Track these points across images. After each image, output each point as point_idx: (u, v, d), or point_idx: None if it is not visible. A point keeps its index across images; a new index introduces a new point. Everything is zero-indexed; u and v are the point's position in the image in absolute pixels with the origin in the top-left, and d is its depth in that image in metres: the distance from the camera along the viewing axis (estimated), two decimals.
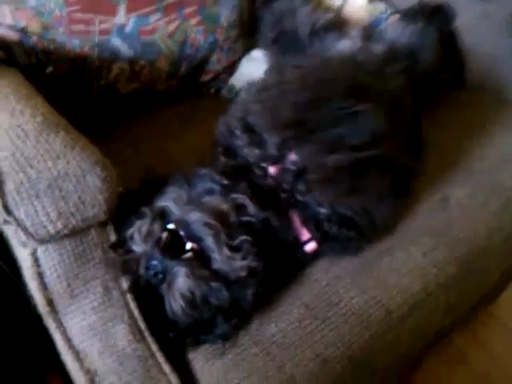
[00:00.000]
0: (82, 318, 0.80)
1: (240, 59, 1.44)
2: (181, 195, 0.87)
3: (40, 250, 0.77)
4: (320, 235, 0.92)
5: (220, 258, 0.81)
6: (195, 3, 1.25)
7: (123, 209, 0.83)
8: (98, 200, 0.75)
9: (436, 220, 1.05)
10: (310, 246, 0.93)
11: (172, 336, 0.82)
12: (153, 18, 1.20)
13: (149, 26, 1.20)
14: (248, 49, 1.45)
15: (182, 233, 0.81)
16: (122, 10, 1.15)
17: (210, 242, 0.81)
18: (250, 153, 0.93)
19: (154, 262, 0.79)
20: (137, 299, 0.83)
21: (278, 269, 0.88)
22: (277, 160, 0.91)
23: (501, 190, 1.13)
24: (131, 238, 0.81)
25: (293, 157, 0.90)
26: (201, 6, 1.26)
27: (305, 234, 0.92)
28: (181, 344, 0.85)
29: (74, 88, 1.19)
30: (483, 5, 1.34)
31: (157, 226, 0.82)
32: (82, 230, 0.78)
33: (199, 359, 0.84)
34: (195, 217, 0.82)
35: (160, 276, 0.79)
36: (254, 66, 1.42)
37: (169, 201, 0.85)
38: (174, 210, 0.84)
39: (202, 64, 1.37)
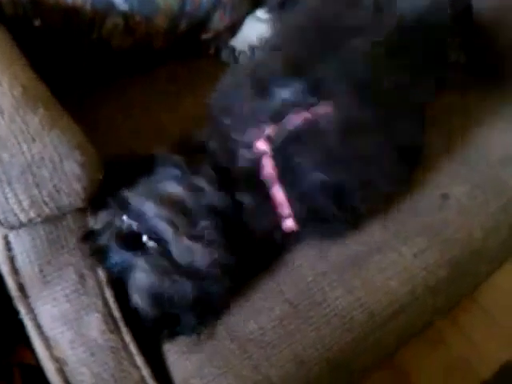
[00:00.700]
0: (53, 305, 0.77)
1: (244, 19, 1.36)
2: (141, 184, 0.81)
3: (12, 235, 0.73)
4: (303, 211, 0.85)
5: (179, 249, 0.77)
6: None
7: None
8: (75, 189, 0.70)
9: (432, 218, 1.01)
10: (288, 224, 0.86)
11: (148, 326, 0.80)
12: None
13: None
14: (253, 8, 1.36)
15: (135, 226, 0.76)
16: None
17: (166, 233, 0.77)
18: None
19: (112, 255, 0.76)
20: (114, 288, 0.80)
21: (252, 256, 0.83)
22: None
23: (502, 189, 1.08)
24: (96, 229, 0.77)
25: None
26: None
27: (285, 210, 0.85)
28: (157, 335, 0.82)
29: (64, 42, 1.11)
30: None
31: (117, 218, 0.77)
32: (57, 217, 0.73)
33: (174, 352, 0.82)
34: (149, 207, 0.78)
35: (119, 269, 0.76)
36: (258, 28, 1.33)
37: (129, 190, 0.80)
38: (132, 200, 0.79)
39: (202, 22, 1.28)
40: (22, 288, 0.76)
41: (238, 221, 0.81)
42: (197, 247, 0.76)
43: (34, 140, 0.68)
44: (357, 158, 0.86)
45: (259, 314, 0.86)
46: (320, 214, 0.86)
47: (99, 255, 0.76)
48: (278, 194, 0.85)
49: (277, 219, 0.86)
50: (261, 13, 1.34)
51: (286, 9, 1.22)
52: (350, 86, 0.89)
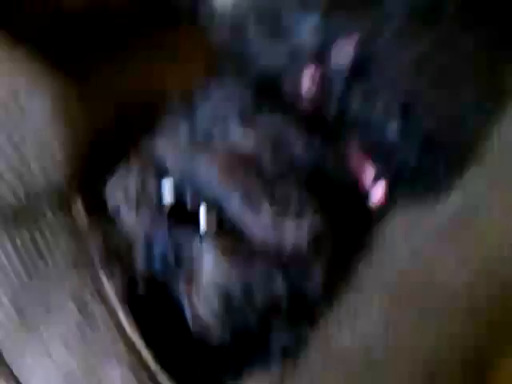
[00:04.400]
0: (52, 367, 0.46)
1: None
2: (180, 131, 0.55)
3: None
4: (390, 171, 0.62)
5: (258, 225, 0.51)
6: None
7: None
8: (46, 144, 0.40)
9: None
10: (378, 191, 0.62)
11: (202, 371, 0.51)
12: None
13: None
14: None
15: (187, 195, 0.51)
16: None
17: (235, 202, 0.51)
18: (272, 49, 0.62)
19: (161, 242, 0.49)
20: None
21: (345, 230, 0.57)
22: (317, 57, 0.61)
23: None
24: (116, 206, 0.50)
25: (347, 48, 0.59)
26: None
27: (368, 172, 0.62)
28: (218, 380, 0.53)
29: None
30: None
31: (152, 183, 0.50)
32: (27, 214, 0.43)
33: None
34: (200, 165, 0.52)
35: (168, 263, 0.50)
36: None
37: (162, 142, 0.55)
38: (171, 157, 0.53)
39: None
40: None
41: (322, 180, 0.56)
42: (284, 219, 0.50)
43: None
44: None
45: (355, 316, 0.58)
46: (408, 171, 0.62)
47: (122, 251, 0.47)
48: (353, 153, 0.61)
49: (357, 184, 0.62)
50: None
51: None
52: None
